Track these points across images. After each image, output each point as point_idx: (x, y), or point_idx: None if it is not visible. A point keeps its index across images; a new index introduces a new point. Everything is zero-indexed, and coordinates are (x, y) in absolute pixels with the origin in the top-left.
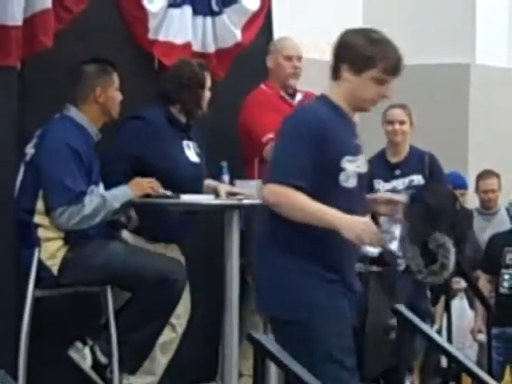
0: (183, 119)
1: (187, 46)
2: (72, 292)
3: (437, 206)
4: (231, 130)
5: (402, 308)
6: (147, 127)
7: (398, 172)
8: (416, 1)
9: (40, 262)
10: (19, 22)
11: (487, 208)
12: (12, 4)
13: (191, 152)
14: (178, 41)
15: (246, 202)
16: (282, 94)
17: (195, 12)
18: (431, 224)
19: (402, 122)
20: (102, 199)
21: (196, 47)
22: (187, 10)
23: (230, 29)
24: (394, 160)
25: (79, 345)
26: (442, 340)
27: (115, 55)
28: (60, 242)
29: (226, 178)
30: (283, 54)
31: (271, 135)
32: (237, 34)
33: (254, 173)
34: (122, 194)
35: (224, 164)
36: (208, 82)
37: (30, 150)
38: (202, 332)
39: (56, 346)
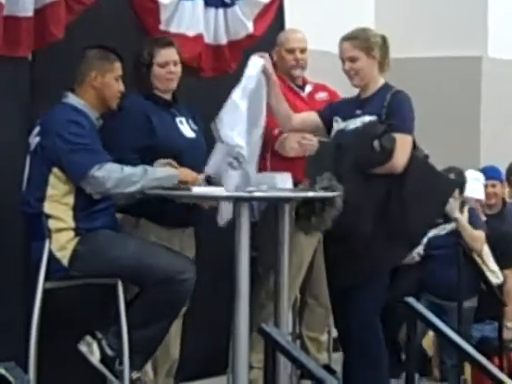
0: (168, 96)
1: (199, 37)
2: (82, 284)
3: (344, 143)
4: None
5: (411, 300)
6: (129, 115)
7: (358, 111)
8: None
9: (50, 253)
10: (30, 13)
11: None
12: None
13: (185, 127)
14: (190, 33)
15: (257, 194)
16: (292, 85)
17: (207, 4)
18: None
19: (352, 59)
20: (143, 168)
21: (208, 39)
22: (199, 1)
23: (242, 21)
24: (361, 97)
25: (89, 338)
26: (452, 333)
27: (126, 47)
28: (71, 234)
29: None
30: (285, 46)
31: None
32: (249, 25)
33: (267, 166)
34: (166, 170)
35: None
36: (163, 58)
37: (33, 139)
38: (213, 325)
39: (66, 339)
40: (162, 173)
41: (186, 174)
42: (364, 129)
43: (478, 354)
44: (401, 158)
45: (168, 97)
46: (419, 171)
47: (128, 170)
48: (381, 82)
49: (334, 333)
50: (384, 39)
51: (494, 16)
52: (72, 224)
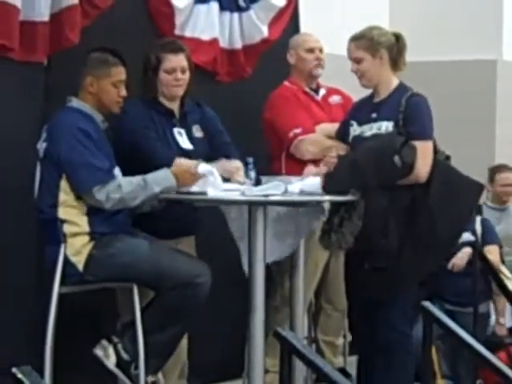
0: (172, 105)
1: (214, 42)
2: (98, 289)
3: (364, 160)
4: (257, 126)
5: (427, 304)
6: (126, 123)
7: (374, 115)
8: None
9: (65, 258)
10: (46, 18)
11: (502, 202)
12: (39, 0)
13: (183, 139)
14: (205, 37)
15: (272, 198)
16: (306, 89)
17: (222, 8)
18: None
19: (357, 60)
20: (143, 181)
21: (223, 43)
22: (214, 5)
23: (257, 25)
24: (376, 100)
25: (104, 342)
26: (469, 338)
27: (141, 51)
28: (86, 238)
29: (252, 173)
30: (305, 47)
31: (298, 130)
32: (263, 29)
33: (282, 168)
34: (164, 178)
35: (250, 160)
36: (170, 64)
37: (41, 145)
38: (228, 329)
39: (82, 343)
40: (161, 185)
41: (184, 178)
42: (382, 144)
43: (495, 358)
44: (423, 166)
45: (172, 105)
46: (443, 176)
47: (127, 187)
48: (395, 82)
49: (350, 337)
50: (397, 37)
51: (509, 19)
52: (87, 228)
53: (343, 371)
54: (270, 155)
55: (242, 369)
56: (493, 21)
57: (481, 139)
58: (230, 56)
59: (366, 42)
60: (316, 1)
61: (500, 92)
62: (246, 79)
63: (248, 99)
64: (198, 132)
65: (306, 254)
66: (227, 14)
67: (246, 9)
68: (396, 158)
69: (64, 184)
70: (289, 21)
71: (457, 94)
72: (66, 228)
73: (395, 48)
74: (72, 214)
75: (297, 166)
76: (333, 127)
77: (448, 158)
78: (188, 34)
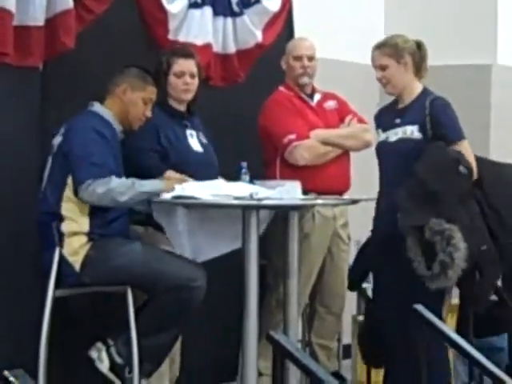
0: (182, 107)
1: (207, 46)
2: (93, 292)
3: (432, 181)
4: (252, 131)
5: (420, 307)
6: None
7: (398, 120)
8: (437, 1)
9: (62, 258)
10: (41, 23)
11: None
12: (34, 5)
13: (194, 141)
14: (199, 42)
15: (265, 202)
16: (301, 94)
17: (216, 13)
18: (425, 206)
19: (382, 67)
20: (131, 181)
21: (216, 48)
22: (207, 10)
23: (251, 29)
24: (400, 105)
25: (99, 345)
26: (463, 342)
27: (135, 56)
28: (84, 239)
29: (246, 178)
30: (293, 54)
31: (292, 136)
32: (258, 34)
33: (276, 174)
34: (151, 183)
35: (244, 164)
36: (179, 68)
37: (56, 141)
38: (222, 333)
39: (76, 345)
40: (149, 186)
41: (172, 184)
42: (438, 160)
43: (490, 364)
44: (472, 165)
45: (182, 108)
46: (488, 170)
47: (115, 182)
48: (418, 88)
49: (344, 340)
50: (419, 44)
51: (504, 23)
52: (86, 228)
53: (337, 375)
54: (265, 161)
55: (236, 372)
56: (487, 25)
57: (475, 144)
58: (224, 61)
59: (390, 48)
60: (310, 5)
61: (495, 97)
62: (241, 84)
63: (242, 104)
64: (204, 139)
65: (301, 257)
66: (221, 19)
67: (240, 13)
68: (461, 168)
69: (71, 180)
70: (283, 26)
71: (451, 99)
72: (65, 226)
73: (418, 55)
74: (74, 212)
75: (291, 172)
76: (328, 133)
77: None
78: (181, 38)
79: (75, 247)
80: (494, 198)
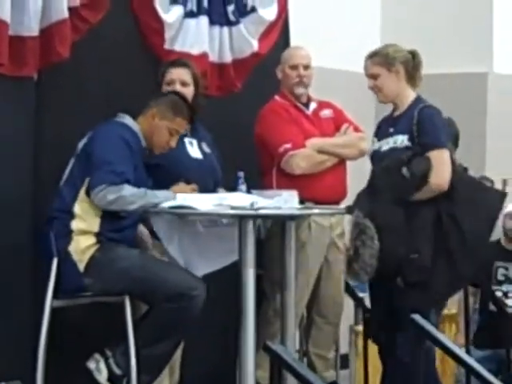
0: None
1: (203, 56)
2: (91, 302)
3: (376, 176)
4: (249, 141)
5: (417, 317)
6: None
7: (391, 130)
8: (433, 10)
9: (67, 255)
10: (35, 33)
11: None
12: (28, 15)
13: (193, 149)
14: (195, 51)
15: (262, 211)
16: (296, 103)
17: (212, 22)
18: (364, 197)
19: (373, 76)
20: (144, 190)
21: (212, 57)
22: (203, 20)
23: (247, 39)
24: (395, 114)
25: (97, 356)
26: (458, 349)
27: (131, 65)
28: (92, 239)
29: (243, 187)
30: (289, 63)
31: (288, 145)
32: (254, 43)
33: (272, 183)
34: (163, 193)
35: (241, 174)
36: (170, 76)
37: (81, 143)
38: (221, 342)
39: (74, 356)
40: (162, 197)
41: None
42: (391, 160)
43: (485, 371)
44: (442, 174)
45: None
46: (464, 186)
47: (128, 191)
48: (411, 96)
49: (342, 350)
50: (414, 54)
51: (500, 32)
52: (96, 229)
53: None
54: (261, 170)
55: (235, 382)
56: (483, 33)
57: (471, 152)
58: (220, 70)
59: (381, 57)
60: (306, 14)
61: (491, 105)
62: (237, 93)
63: (238, 114)
64: (206, 148)
65: (298, 266)
66: (217, 28)
67: (236, 23)
68: (404, 170)
69: (88, 181)
70: (279, 35)
71: (447, 107)
72: (75, 224)
73: (411, 64)
74: (87, 212)
75: (287, 181)
76: (323, 141)
77: (466, 169)
78: (177, 48)
79: (82, 247)
80: (461, 213)
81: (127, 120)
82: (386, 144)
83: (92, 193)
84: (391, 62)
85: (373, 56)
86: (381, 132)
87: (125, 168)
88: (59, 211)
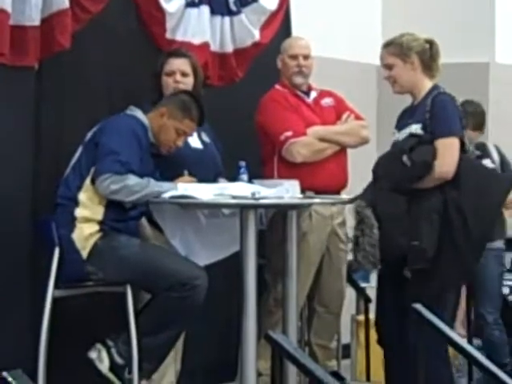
0: None
1: (205, 45)
2: (93, 292)
3: (379, 164)
4: (250, 130)
5: (419, 306)
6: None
7: (410, 120)
8: (435, 1)
9: (70, 243)
10: (36, 22)
11: None
12: (30, 4)
13: (193, 138)
14: (196, 41)
15: (263, 201)
16: (296, 92)
17: (213, 12)
18: (368, 186)
19: (388, 67)
20: (147, 180)
21: (214, 47)
22: (205, 9)
23: (249, 28)
24: (414, 104)
25: (99, 346)
26: (462, 341)
27: (132, 55)
28: (95, 227)
29: (244, 177)
30: (288, 53)
31: (289, 133)
32: (255, 33)
33: (274, 172)
34: (167, 185)
35: (242, 163)
36: (170, 67)
37: (90, 132)
38: (221, 333)
39: (76, 346)
40: (165, 188)
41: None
42: (393, 148)
43: (488, 362)
44: (448, 162)
45: None
46: (471, 173)
47: (131, 181)
48: (428, 86)
49: (343, 340)
50: (431, 43)
51: (502, 22)
52: (99, 217)
53: (336, 375)
54: (262, 159)
55: (236, 372)
56: (485, 23)
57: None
58: (221, 60)
59: (396, 47)
60: (307, 4)
61: (492, 95)
62: (238, 83)
63: (240, 103)
64: (206, 138)
65: (299, 256)
66: (218, 18)
67: (238, 12)
68: (404, 158)
69: (94, 170)
70: (280, 24)
71: None
72: (79, 212)
73: (428, 53)
74: (91, 200)
75: (289, 170)
76: (325, 129)
77: (480, 157)
78: (179, 37)
79: (85, 234)
80: (468, 205)
81: (138, 113)
82: (404, 134)
83: (97, 181)
84: (406, 52)
85: (388, 45)
86: (401, 123)
87: (130, 158)
88: (64, 198)
